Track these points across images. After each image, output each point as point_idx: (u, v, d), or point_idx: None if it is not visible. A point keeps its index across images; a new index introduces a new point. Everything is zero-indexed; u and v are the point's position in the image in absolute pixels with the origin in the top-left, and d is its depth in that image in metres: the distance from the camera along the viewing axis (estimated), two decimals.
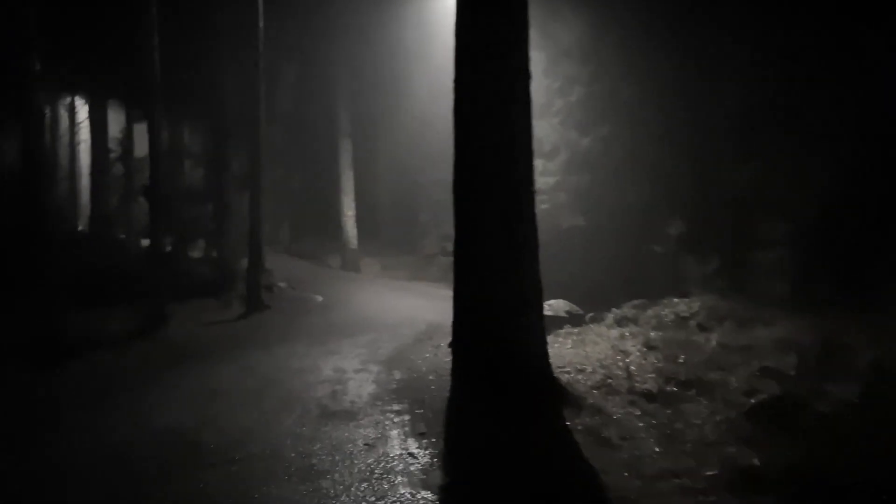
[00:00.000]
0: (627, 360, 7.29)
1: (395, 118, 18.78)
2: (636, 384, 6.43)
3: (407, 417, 5.31)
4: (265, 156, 12.27)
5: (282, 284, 12.92)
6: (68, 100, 22.04)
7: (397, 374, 6.70)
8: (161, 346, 8.92)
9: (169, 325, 10.02)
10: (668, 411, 5.80)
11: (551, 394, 5.78)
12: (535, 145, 6.36)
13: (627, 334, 8.49)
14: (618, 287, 10.69)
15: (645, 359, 7.31)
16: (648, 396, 6.14)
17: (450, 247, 17.57)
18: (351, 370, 6.98)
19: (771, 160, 9.29)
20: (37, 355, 7.98)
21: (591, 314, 10.11)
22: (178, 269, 12.11)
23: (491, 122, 5.61)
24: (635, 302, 9.76)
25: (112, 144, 16.27)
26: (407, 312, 11.58)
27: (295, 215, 20.12)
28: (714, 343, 7.51)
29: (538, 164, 8.20)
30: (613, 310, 9.70)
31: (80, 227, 20.06)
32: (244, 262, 11.97)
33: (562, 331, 9.12)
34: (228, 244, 12.53)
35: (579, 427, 5.29)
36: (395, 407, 5.58)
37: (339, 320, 10.74)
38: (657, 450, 4.91)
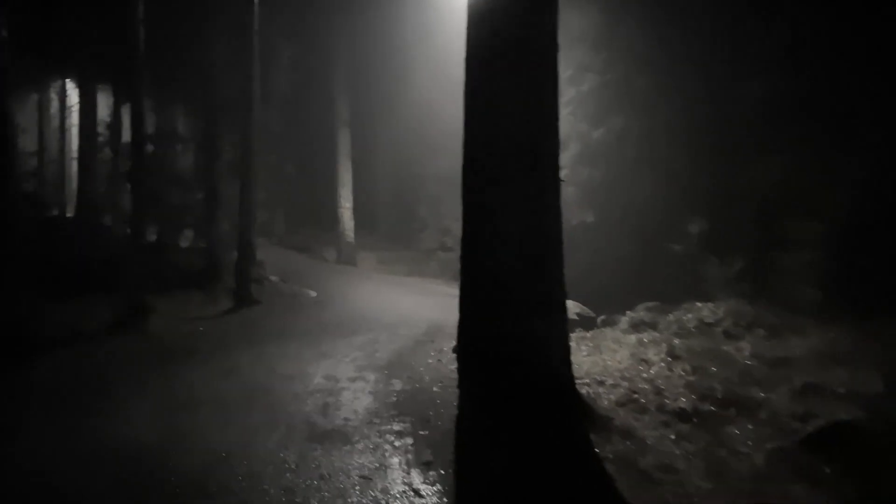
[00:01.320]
0: (652, 372, 6.49)
1: (395, 108, 17.88)
2: (666, 401, 5.60)
3: (409, 441, 4.45)
4: (258, 140, 11.35)
5: (273, 278, 12.03)
6: (59, 83, 21.04)
7: (397, 384, 5.84)
8: (137, 342, 8.03)
9: (149, 320, 9.12)
10: (708, 436, 4.99)
11: (575, 412, 4.94)
12: None
13: (646, 340, 7.67)
14: (630, 288, 9.85)
15: (671, 370, 6.49)
16: (682, 416, 5.32)
17: (449, 242, 16.67)
18: (345, 378, 6.12)
19: (801, 154, 8.47)
20: None
21: (602, 317, 9.31)
22: (163, 258, 11.21)
23: (514, 96, 4.74)
24: (649, 304, 8.94)
25: (101, 128, 15.29)
26: (405, 310, 10.73)
27: (290, 206, 19.20)
28: (747, 354, 6.69)
29: None
30: (628, 313, 8.88)
31: (68, 214, 19.09)
32: (234, 254, 11.09)
33: (573, 335, 8.25)
34: (218, 234, 11.62)
35: (610, 455, 4.46)
36: (396, 426, 4.72)
37: (334, 318, 9.87)
38: (705, 486, 4.09)
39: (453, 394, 5.51)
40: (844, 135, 8.03)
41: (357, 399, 5.40)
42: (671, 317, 8.25)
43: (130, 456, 4.25)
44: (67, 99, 20.53)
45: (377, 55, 16.52)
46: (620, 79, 11.17)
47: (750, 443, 4.75)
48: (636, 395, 5.73)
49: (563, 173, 12.26)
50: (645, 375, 6.33)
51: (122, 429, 4.77)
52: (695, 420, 5.21)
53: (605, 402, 5.57)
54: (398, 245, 18.02)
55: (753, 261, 8.74)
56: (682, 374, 6.36)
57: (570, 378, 5.17)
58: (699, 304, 8.29)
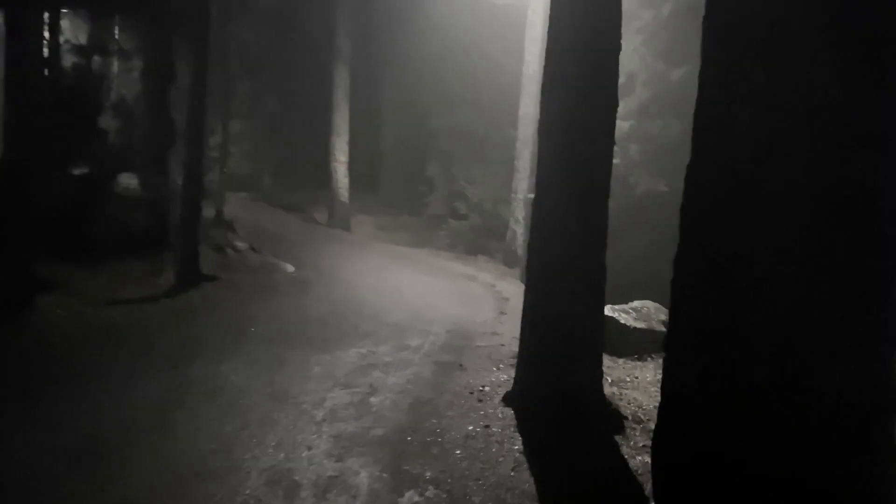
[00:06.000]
0: None
1: (406, 49, 14.35)
2: None
3: None
4: (227, 58, 7.87)
5: (241, 245, 8.70)
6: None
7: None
8: (5, 345, 4.71)
9: (41, 305, 5.83)
10: None
11: None
12: None
13: None
14: None
15: None
16: None
17: (462, 208, 12.93)
18: (309, 479, 2.87)
19: None
20: None
21: None
22: (92, 214, 7.86)
23: None
24: None
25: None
26: (413, 300, 7.51)
27: (280, 157, 15.71)
28: None
29: None
30: None
31: None
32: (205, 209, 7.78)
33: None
34: (168, 181, 8.29)
35: None
36: None
37: (314, 309, 6.63)
38: None
39: None
40: None
41: None
42: None
43: None
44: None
45: None
46: None
47: None
48: None
49: (627, 125, 8.44)
50: None
51: None
52: None
53: None
54: (401, 209, 14.69)
55: None
56: None
57: None
58: None
